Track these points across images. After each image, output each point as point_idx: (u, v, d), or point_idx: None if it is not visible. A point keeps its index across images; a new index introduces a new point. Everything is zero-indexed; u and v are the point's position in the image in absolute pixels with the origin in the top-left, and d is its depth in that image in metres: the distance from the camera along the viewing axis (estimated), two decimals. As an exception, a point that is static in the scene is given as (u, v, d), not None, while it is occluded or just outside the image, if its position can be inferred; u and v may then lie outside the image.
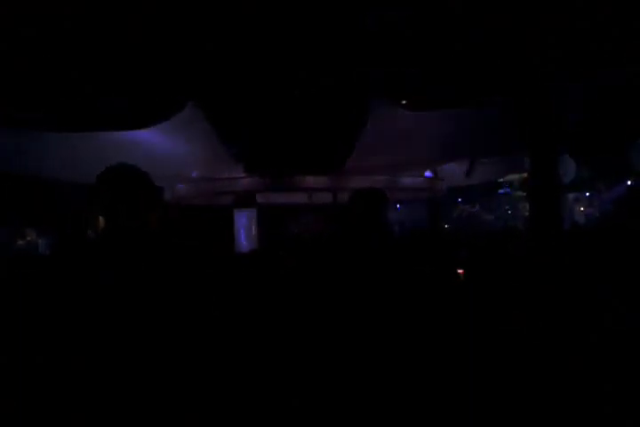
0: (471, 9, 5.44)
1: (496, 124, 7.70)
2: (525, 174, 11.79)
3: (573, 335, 2.18)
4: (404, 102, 8.00)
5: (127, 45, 6.24)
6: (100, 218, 1.94)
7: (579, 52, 5.68)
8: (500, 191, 18.15)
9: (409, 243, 2.54)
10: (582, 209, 16.80)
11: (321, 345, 2.35)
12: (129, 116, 7.60)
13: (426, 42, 6.34)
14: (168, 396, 1.73)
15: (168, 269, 1.84)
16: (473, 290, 2.72)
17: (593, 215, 15.98)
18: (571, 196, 15.95)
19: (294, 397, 2.40)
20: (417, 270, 2.39)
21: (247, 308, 2.75)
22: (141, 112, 7.65)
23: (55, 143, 8.07)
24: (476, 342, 2.26)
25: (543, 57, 5.75)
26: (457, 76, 6.89)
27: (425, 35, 6.19)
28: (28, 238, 15.47)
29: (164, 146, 8.65)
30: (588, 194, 16.59)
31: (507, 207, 18.61)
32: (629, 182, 14.25)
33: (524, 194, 15.96)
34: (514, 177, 16.13)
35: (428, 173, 12.40)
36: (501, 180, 16.61)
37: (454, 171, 12.47)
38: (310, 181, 10.62)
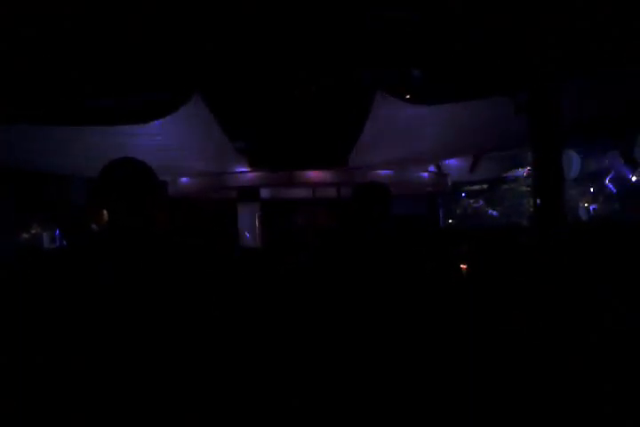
0: (472, 8, 5.44)
1: (499, 119, 7.68)
2: (528, 169, 11.77)
3: (574, 333, 2.18)
4: (407, 97, 7.98)
5: (134, 38, 6.24)
6: (104, 212, 1.94)
7: (579, 51, 5.67)
8: (506, 187, 18.12)
9: (409, 237, 2.54)
10: (587, 204, 16.74)
11: (319, 342, 2.36)
12: (133, 110, 7.61)
13: (428, 39, 6.34)
14: (168, 395, 1.73)
15: (171, 266, 1.84)
16: (474, 285, 2.72)
17: (598, 210, 15.93)
18: (575, 191, 15.90)
19: (294, 396, 2.41)
20: (418, 265, 2.39)
21: (248, 306, 2.76)
22: (146, 105, 7.66)
23: (58, 138, 8.10)
24: (477, 338, 2.27)
25: (544, 56, 5.74)
26: (459, 72, 6.89)
27: (427, 33, 6.19)
28: (33, 232, 15.52)
29: (168, 139, 8.66)
30: (592, 189, 16.53)
31: (511, 202, 18.56)
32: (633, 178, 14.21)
33: (529, 189, 15.92)
34: (518, 172, 16.09)
35: (431, 168, 12.38)
36: (505, 175, 16.57)
37: (458, 166, 12.46)
38: (314, 175, 10.62)
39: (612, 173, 14.19)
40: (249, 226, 11.29)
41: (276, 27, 6.31)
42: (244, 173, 10.65)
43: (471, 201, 19.41)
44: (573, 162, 10.60)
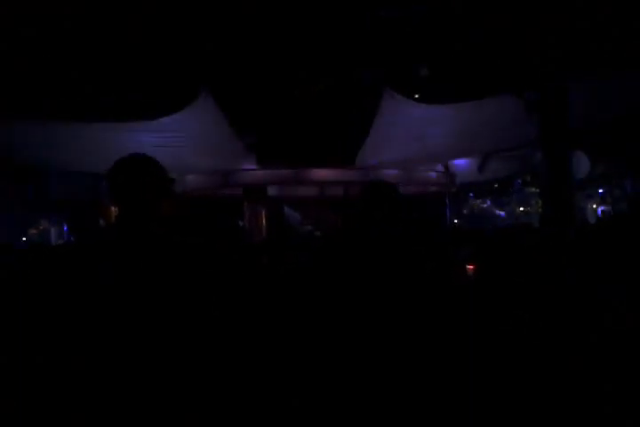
0: (478, 8, 5.43)
1: (508, 119, 7.65)
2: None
3: (575, 333, 2.17)
4: (416, 96, 7.97)
5: (146, 37, 6.27)
6: (112, 209, 1.95)
7: (579, 52, 5.65)
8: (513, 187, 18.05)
9: (412, 237, 2.53)
10: (595, 206, 16.65)
11: (319, 342, 2.35)
12: (141, 107, 7.64)
13: (437, 38, 6.33)
14: (168, 394, 1.73)
15: (172, 266, 1.84)
16: (477, 286, 2.71)
17: (606, 212, 15.84)
18: (584, 193, 15.82)
19: (294, 396, 2.40)
20: (418, 266, 2.38)
21: (248, 306, 2.76)
22: (153, 102, 7.68)
23: (67, 133, 8.13)
24: (478, 338, 2.26)
25: (552, 55, 5.72)
26: (467, 71, 6.87)
27: (435, 31, 6.18)
28: (41, 227, 15.61)
29: (175, 136, 8.67)
30: (601, 191, 16.44)
31: (518, 203, 18.49)
32: None
33: (537, 190, 15.86)
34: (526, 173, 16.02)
35: (439, 168, 12.34)
36: (514, 175, 16.50)
37: (467, 165, 12.41)
38: (321, 173, 10.60)
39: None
40: (255, 224, 11.28)
41: (286, 24, 6.32)
42: (252, 170, 10.65)
43: (479, 201, 19.36)
44: (582, 162, 10.53)
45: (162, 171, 1.93)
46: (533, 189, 16.97)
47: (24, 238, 14.48)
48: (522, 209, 18.29)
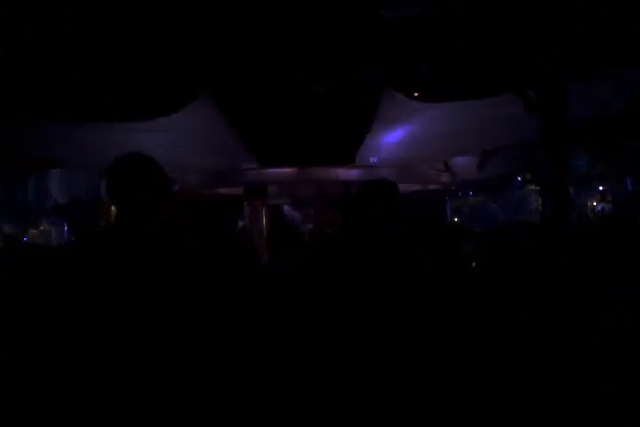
0: (477, 6, 5.43)
1: (507, 117, 7.65)
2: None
3: (575, 333, 2.18)
4: (415, 95, 7.97)
5: (144, 36, 6.27)
6: (112, 208, 1.95)
7: (579, 51, 5.65)
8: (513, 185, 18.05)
9: (410, 235, 2.54)
10: (595, 204, 16.65)
11: (318, 341, 2.36)
12: (141, 106, 7.64)
13: (436, 36, 6.33)
14: (168, 394, 1.73)
15: (171, 266, 1.83)
16: (479, 284, 2.71)
17: (605, 210, 15.84)
18: (584, 190, 15.82)
19: (293, 396, 2.40)
20: (415, 264, 2.39)
21: (248, 305, 2.76)
22: (153, 102, 7.68)
23: (67, 133, 8.13)
24: (477, 337, 2.26)
25: (552, 54, 5.72)
26: (467, 70, 6.87)
27: (435, 30, 6.18)
28: (42, 228, 15.61)
29: (175, 135, 8.67)
30: (600, 188, 16.43)
31: (518, 201, 18.48)
32: None
33: (537, 188, 15.85)
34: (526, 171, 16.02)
35: (439, 166, 12.34)
36: (513, 173, 16.49)
37: (466, 163, 12.41)
38: (321, 172, 10.60)
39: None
40: (256, 223, 11.28)
41: (286, 23, 6.31)
42: (252, 170, 10.64)
43: (479, 199, 19.34)
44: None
45: (161, 170, 1.93)
46: (533, 187, 16.97)
47: (25, 239, 14.49)
48: (521, 207, 18.28)
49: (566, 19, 5.27)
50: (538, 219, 13.23)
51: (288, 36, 6.75)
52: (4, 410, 1.75)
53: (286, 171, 10.48)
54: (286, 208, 13.75)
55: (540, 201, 15.06)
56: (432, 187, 13.04)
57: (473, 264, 3.08)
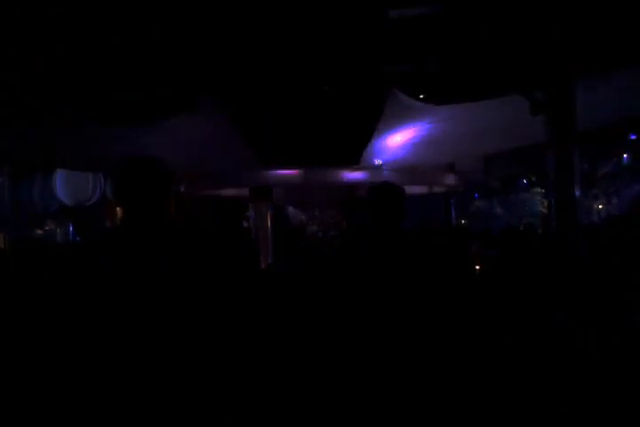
0: (480, 9, 5.42)
1: (514, 119, 7.62)
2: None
3: (583, 331, 2.16)
4: (421, 96, 7.94)
5: (145, 36, 6.27)
6: (118, 209, 1.96)
7: (584, 52, 5.62)
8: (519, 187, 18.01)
9: (424, 237, 2.53)
10: (600, 206, 16.59)
11: (335, 339, 2.35)
12: (145, 107, 7.64)
13: (442, 37, 6.31)
14: (170, 389, 1.73)
15: (177, 264, 1.84)
16: (486, 285, 2.71)
17: (610, 213, 15.78)
18: (590, 193, 15.76)
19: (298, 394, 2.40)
20: (432, 265, 2.38)
21: (254, 303, 2.76)
22: (156, 104, 7.69)
23: (70, 134, 8.15)
24: (488, 339, 2.26)
25: (555, 57, 5.70)
26: (473, 71, 6.85)
27: (440, 30, 6.16)
28: (47, 228, 15.67)
29: (179, 137, 8.69)
30: (607, 191, 16.37)
31: (523, 203, 18.45)
32: None
33: (542, 190, 15.81)
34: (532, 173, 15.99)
35: (445, 168, 12.32)
36: (519, 175, 16.46)
37: (472, 165, 12.38)
38: (327, 174, 10.60)
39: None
40: (261, 225, 11.28)
41: (290, 23, 6.31)
42: (257, 171, 10.65)
43: (484, 201, 19.32)
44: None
45: (165, 171, 1.94)
46: (539, 190, 16.94)
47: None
48: (527, 209, 18.24)
49: (571, 19, 5.25)
50: (542, 221, 13.19)
51: (291, 36, 6.74)
52: (10, 402, 1.76)
53: (291, 172, 10.48)
54: (291, 209, 13.75)
55: (545, 203, 15.04)
56: (437, 189, 13.02)
57: (478, 266, 3.08)
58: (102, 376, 1.70)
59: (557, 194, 6.50)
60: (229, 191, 11.83)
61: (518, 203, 18.64)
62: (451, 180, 12.34)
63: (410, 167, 10.93)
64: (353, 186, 11.17)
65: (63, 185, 12.52)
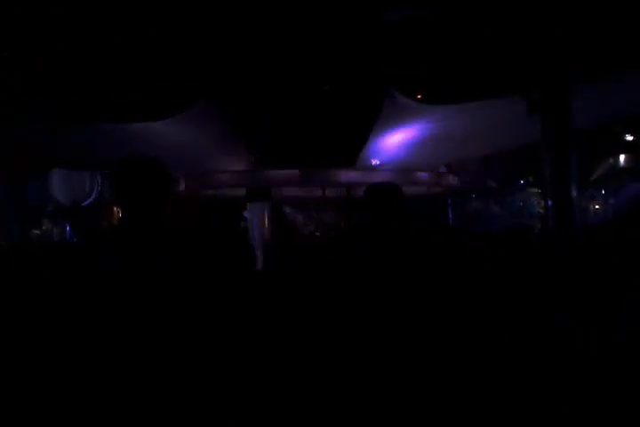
0: (477, 10, 5.43)
1: (511, 120, 7.64)
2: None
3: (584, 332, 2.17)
4: (418, 97, 7.96)
5: (146, 37, 6.27)
6: (115, 209, 1.96)
7: (582, 52, 5.64)
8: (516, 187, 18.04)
9: (423, 237, 2.53)
10: (597, 207, 16.63)
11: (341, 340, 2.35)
12: (144, 108, 7.64)
13: (437, 40, 6.33)
14: (171, 389, 1.73)
15: (176, 263, 1.84)
16: (489, 285, 2.71)
17: (607, 213, 15.81)
18: (586, 193, 15.80)
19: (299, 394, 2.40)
20: (431, 266, 2.38)
21: (248, 304, 2.76)
22: (156, 104, 7.69)
23: (70, 134, 8.13)
24: (482, 339, 2.26)
25: (552, 57, 5.71)
26: (470, 72, 6.87)
27: (436, 34, 6.18)
28: (44, 228, 15.63)
29: (178, 137, 8.68)
30: (603, 192, 16.42)
31: (521, 204, 18.48)
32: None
33: (539, 191, 15.84)
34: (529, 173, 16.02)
35: (442, 168, 12.34)
36: (516, 176, 16.50)
37: (469, 166, 12.41)
38: (324, 174, 10.59)
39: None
40: (259, 225, 11.28)
41: (290, 25, 6.32)
42: (255, 171, 10.65)
43: (481, 202, 19.33)
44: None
45: (164, 171, 1.94)
46: (536, 190, 16.97)
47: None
48: (524, 210, 18.26)
49: (569, 20, 5.27)
50: (540, 222, 13.22)
51: (290, 37, 6.75)
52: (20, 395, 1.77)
53: (288, 172, 10.48)
54: (288, 210, 13.75)
55: (542, 204, 15.05)
56: (434, 190, 13.03)
57: (477, 266, 3.08)
58: (102, 376, 1.70)
59: (554, 194, 6.51)
60: (227, 191, 11.82)
61: (515, 203, 18.67)
62: (448, 180, 12.35)
63: (406, 168, 10.93)
64: (350, 186, 11.16)
65: (59, 185, 12.50)
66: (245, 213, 11.77)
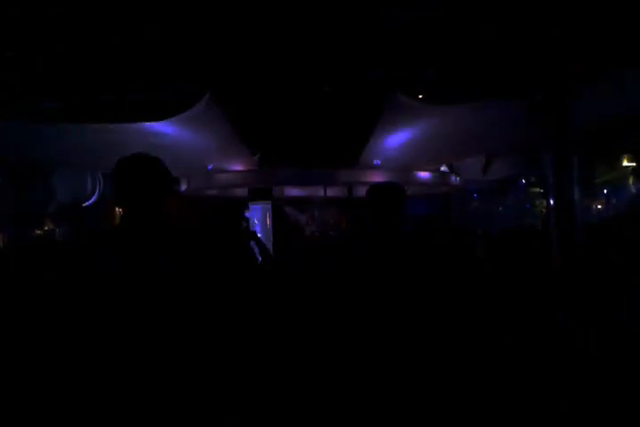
0: (478, 11, 5.43)
1: (513, 120, 7.63)
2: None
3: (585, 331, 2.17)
4: (419, 97, 7.96)
5: (144, 36, 6.28)
6: (116, 209, 1.97)
7: (584, 52, 5.63)
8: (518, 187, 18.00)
9: (424, 236, 2.54)
10: (600, 206, 16.59)
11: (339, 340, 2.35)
12: (145, 108, 7.65)
13: (439, 40, 6.33)
14: (172, 389, 1.74)
15: (178, 263, 1.85)
16: (489, 285, 2.71)
17: (608, 213, 15.77)
18: (588, 193, 15.75)
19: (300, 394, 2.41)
20: (432, 265, 2.39)
21: (255, 303, 2.76)
22: (156, 104, 7.69)
23: (71, 133, 8.14)
24: (490, 338, 2.26)
25: (553, 58, 5.71)
26: (472, 72, 6.87)
27: (438, 34, 6.18)
28: (46, 228, 15.64)
29: (180, 137, 8.69)
30: (605, 191, 16.38)
31: (522, 204, 18.45)
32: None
33: (541, 191, 15.81)
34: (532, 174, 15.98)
35: (444, 168, 12.33)
36: (518, 176, 16.46)
37: (471, 166, 12.39)
38: (326, 174, 10.60)
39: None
40: (261, 225, 11.28)
41: (291, 25, 6.32)
42: (256, 171, 10.65)
43: (483, 202, 19.30)
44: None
45: (165, 170, 1.95)
46: (537, 190, 16.94)
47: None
48: (526, 210, 18.22)
49: (569, 19, 5.26)
50: (541, 221, 13.19)
51: (291, 37, 6.75)
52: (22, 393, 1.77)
53: (290, 172, 10.48)
54: (289, 210, 13.75)
55: (543, 204, 15.04)
56: (436, 189, 13.02)
57: (478, 266, 3.08)
58: (102, 376, 1.70)
59: (556, 194, 6.51)
60: (229, 191, 11.83)
61: (517, 203, 18.64)
62: (449, 180, 12.34)
63: (408, 168, 10.93)
64: (351, 186, 11.17)
65: (62, 184, 12.50)
66: (247, 214, 11.78)
